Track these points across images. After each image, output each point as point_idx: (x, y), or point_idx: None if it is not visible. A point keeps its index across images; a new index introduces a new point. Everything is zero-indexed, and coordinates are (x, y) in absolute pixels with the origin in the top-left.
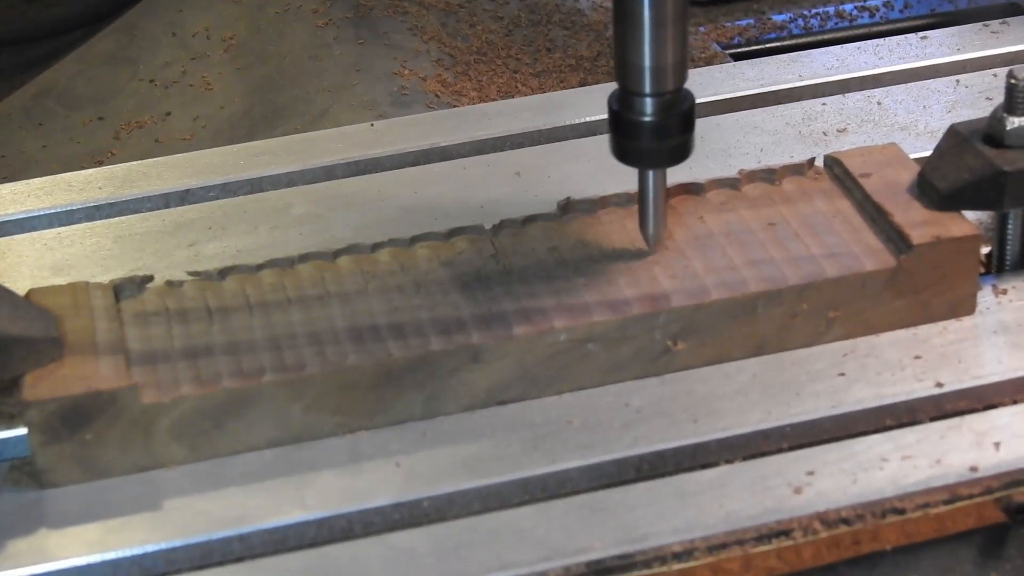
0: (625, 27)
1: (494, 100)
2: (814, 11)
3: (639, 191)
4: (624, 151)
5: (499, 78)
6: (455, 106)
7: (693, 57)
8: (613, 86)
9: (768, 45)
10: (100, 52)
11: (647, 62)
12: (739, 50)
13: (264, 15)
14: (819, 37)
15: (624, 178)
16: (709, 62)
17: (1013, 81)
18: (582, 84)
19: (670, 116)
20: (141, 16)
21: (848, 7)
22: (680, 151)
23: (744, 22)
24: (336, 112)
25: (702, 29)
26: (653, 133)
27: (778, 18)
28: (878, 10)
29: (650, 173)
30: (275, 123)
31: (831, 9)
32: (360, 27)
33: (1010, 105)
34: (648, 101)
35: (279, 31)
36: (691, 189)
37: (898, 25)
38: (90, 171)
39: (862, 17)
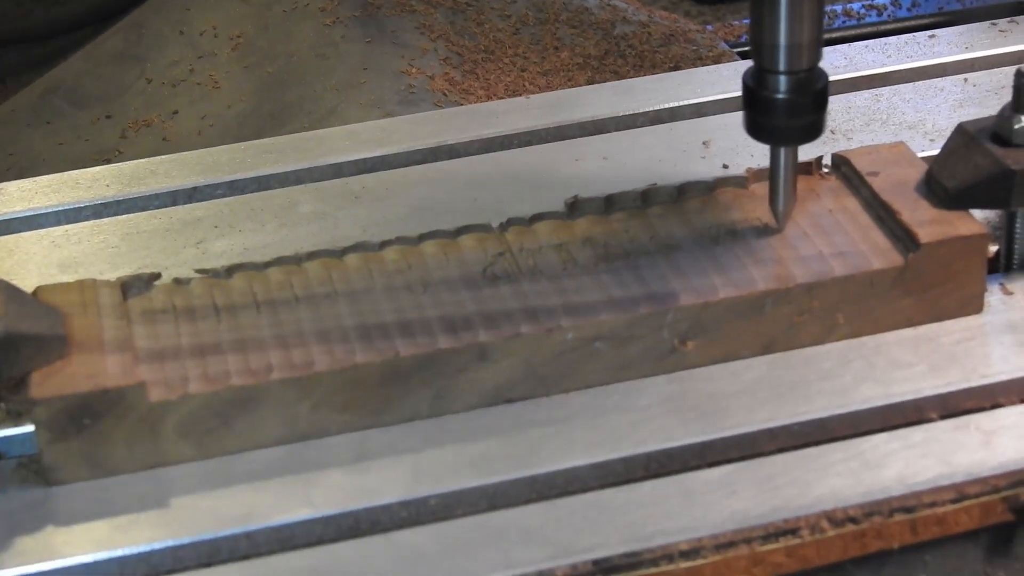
0: (762, 6)
1: (502, 98)
2: None
3: (771, 168)
4: (757, 128)
5: (507, 76)
6: (462, 104)
7: (701, 56)
8: (621, 85)
9: None
10: (108, 50)
11: (782, 40)
12: (746, 48)
13: (272, 14)
14: (826, 35)
15: (634, 176)
16: (717, 60)
17: (1022, 80)
18: (590, 82)
19: (803, 94)
20: (149, 14)
21: (856, 5)
22: (812, 129)
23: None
24: (343, 111)
25: (709, 27)
26: (786, 110)
27: None
28: (886, 8)
29: (781, 150)
30: (282, 121)
31: (839, 7)
32: (368, 26)
33: (1018, 104)
34: (782, 79)
35: (287, 30)
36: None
37: (906, 23)
38: (97, 168)
39: (870, 15)
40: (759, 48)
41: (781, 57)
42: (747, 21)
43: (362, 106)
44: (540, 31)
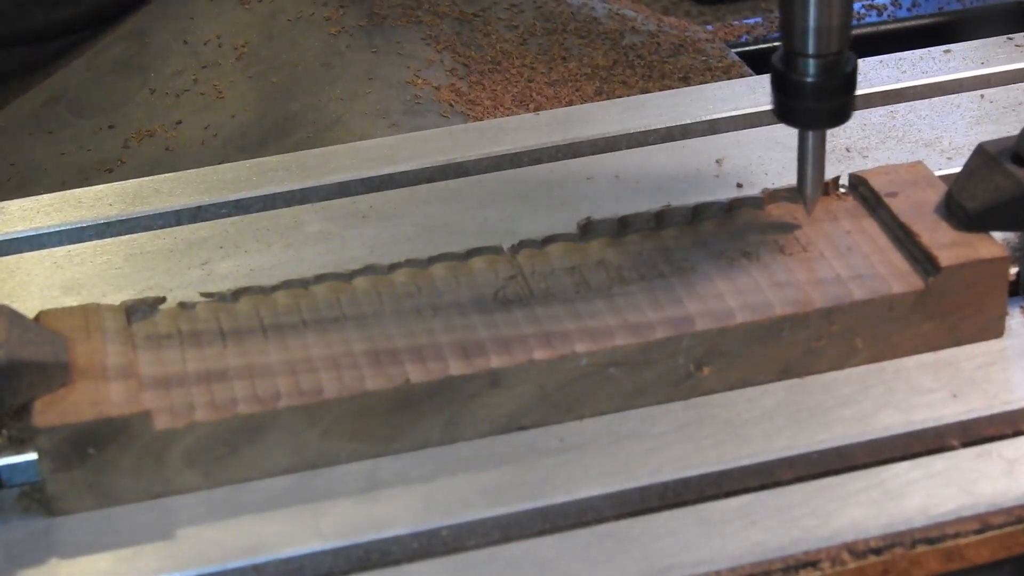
0: None
1: (509, 109)
2: None
3: (799, 152)
4: (785, 111)
5: (514, 87)
6: (469, 115)
7: (710, 67)
8: (632, 101)
9: (776, 43)
10: (110, 59)
11: (811, 23)
12: (747, 48)
13: (276, 23)
14: None
15: (647, 194)
16: (727, 71)
17: None
18: (598, 93)
19: (832, 77)
20: (152, 23)
21: (857, 6)
22: (840, 113)
23: (752, 20)
24: (349, 121)
25: (710, 28)
26: (815, 93)
27: None
28: (886, 8)
29: (809, 134)
30: (287, 132)
31: None
32: (373, 36)
33: None
34: (811, 62)
35: (291, 39)
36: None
37: (906, 24)
38: (100, 187)
39: (870, 16)
40: (789, 31)
41: (811, 40)
42: (747, 21)
43: (367, 116)
44: (548, 41)
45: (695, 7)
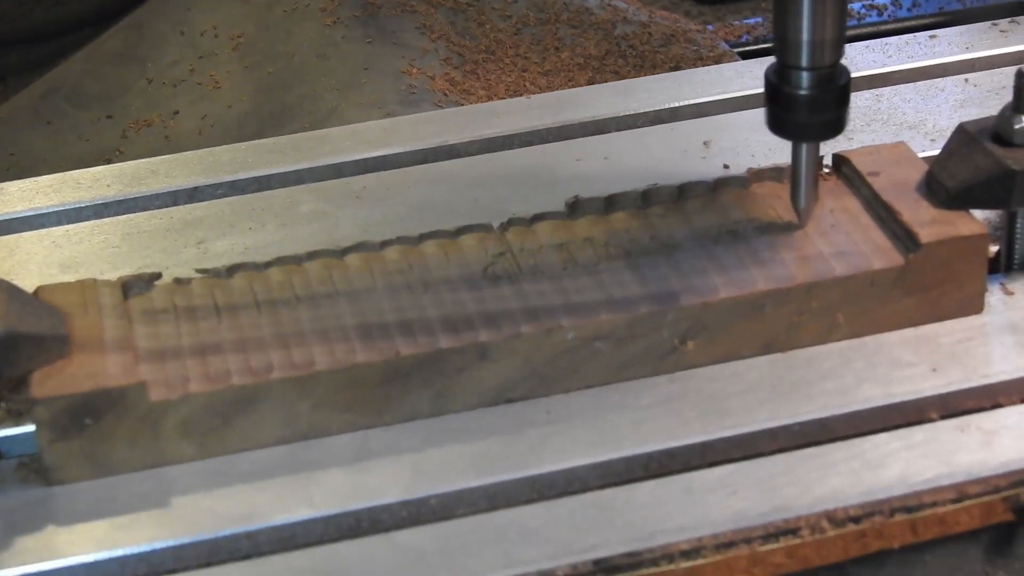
0: (786, 2)
1: (502, 99)
2: None
3: (792, 164)
4: (779, 123)
5: (507, 77)
6: (463, 105)
7: (701, 56)
8: (622, 85)
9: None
10: (108, 51)
11: (805, 36)
12: (747, 48)
13: (272, 14)
14: None
15: (635, 176)
16: (718, 60)
17: (1022, 80)
18: (590, 83)
19: (826, 90)
20: (149, 15)
21: (856, 5)
22: (834, 126)
23: (752, 20)
24: (344, 111)
25: (710, 27)
26: (808, 106)
27: None
28: (886, 8)
29: (803, 146)
30: (283, 122)
31: None
32: (368, 26)
33: (1019, 104)
34: (804, 75)
35: (287, 30)
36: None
37: (906, 23)
38: (98, 168)
39: (870, 15)
40: (783, 44)
41: (804, 53)
42: (747, 21)
43: (363, 106)
44: (541, 31)
45: (695, 7)
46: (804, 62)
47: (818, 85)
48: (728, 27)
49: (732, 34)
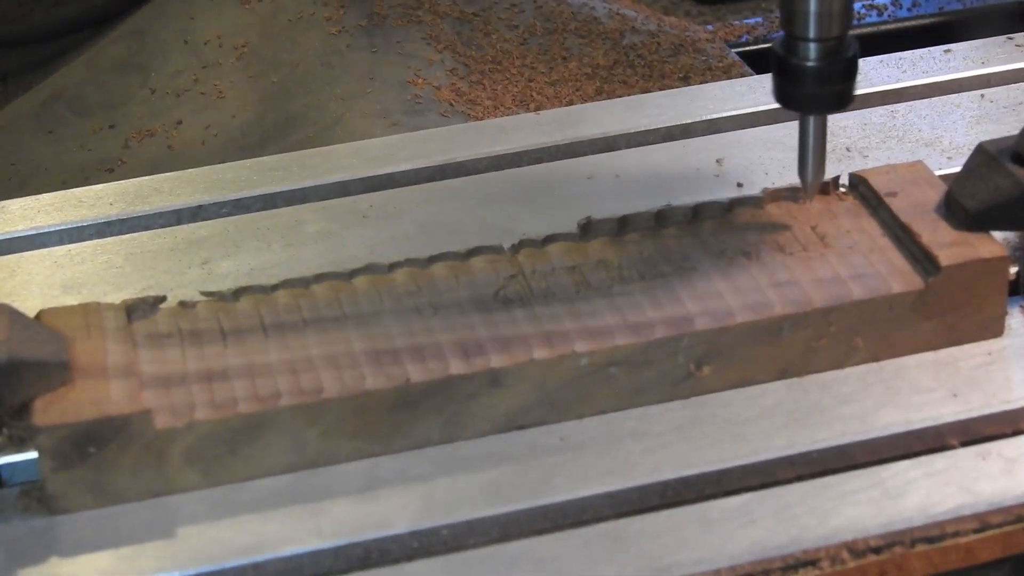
0: None
1: (509, 109)
2: None
3: (799, 137)
4: (786, 96)
5: (514, 87)
6: (469, 115)
7: (710, 66)
8: (632, 100)
9: None
10: (111, 59)
11: (813, 6)
12: (747, 48)
13: (276, 23)
14: None
15: (647, 194)
16: (727, 71)
17: None
18: (598, 93)
19: (833, 62)
20: (152, 23)
21: (857, 6)
22: (841, 97)
23: (752, 20)
24: (349, 120)
25: (710, 27)
26: (816, 78)
27: None
28: (886, 8)
29: (811, 119)
30: (287, 131)
31: None
32: (373, 35)
33: None
34: (812, 46)
35: (292, 39)
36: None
37: (906, 24)
38: (100, 186)
39: (870, 15)
40: (790, 14)
41: (811, 24)
42: (747, 21)
43: (368, 116)
44: (548, 41)
45: (695, 7)
46: (812, 33)
47: (826, 56)
48: (728, 27)
49: (732, 34)
